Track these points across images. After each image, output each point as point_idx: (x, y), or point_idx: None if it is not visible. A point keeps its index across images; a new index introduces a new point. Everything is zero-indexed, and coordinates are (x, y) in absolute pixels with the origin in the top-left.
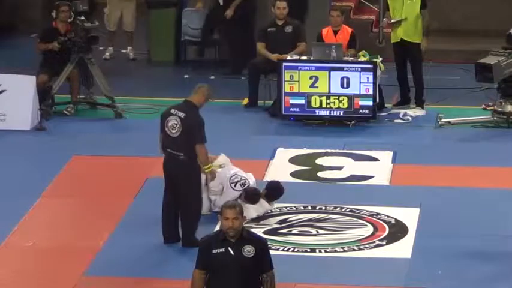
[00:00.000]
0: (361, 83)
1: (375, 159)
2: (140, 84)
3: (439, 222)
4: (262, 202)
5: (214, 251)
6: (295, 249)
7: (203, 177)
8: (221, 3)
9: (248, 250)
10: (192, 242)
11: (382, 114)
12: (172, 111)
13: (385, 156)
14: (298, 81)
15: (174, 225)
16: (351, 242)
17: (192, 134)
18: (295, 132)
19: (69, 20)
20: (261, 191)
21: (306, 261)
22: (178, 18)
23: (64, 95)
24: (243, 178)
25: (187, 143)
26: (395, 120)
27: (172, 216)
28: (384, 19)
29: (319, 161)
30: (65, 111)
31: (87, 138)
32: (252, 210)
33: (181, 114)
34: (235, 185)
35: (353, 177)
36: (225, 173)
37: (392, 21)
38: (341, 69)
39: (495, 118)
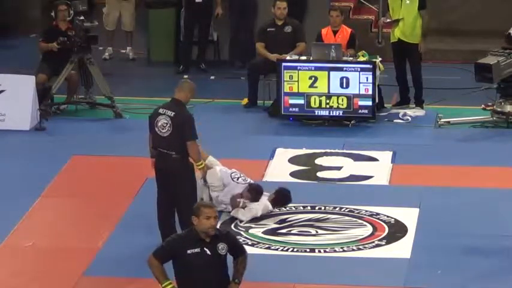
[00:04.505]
0: (360, 83)
1: (375, 159)
2: (140, 84)
3: (438, 222)
4: (265, 201)
5: (189, 251)
6: (295, 249)
7: (201, 175)
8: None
9: (222, 247)
10: None
11: (382, 114)
12: (161, 110)
13: (385, 156)
14: (298, 81)
15: (171, 224)
16: (351, 242)
17: (183, 132)
18: (295, 132)
19: (68, 19)
20: (270, 195)
21: (305, 261)
22: (178, 18)
23: (63, 95)
24: (242, 175)
25: (178, 141)
26: (395, 120)
27: (168, 215)
28: (382, 18)
29: (319, 161)
30: (56, 110)
31: (86, 138)
32: (259, 207)
33: (171, 113)
34: (237, 180)
35: (352, 177)
36: (224, 170)
37: (388, 20)
38: (340, 69)
39: (494, 118)
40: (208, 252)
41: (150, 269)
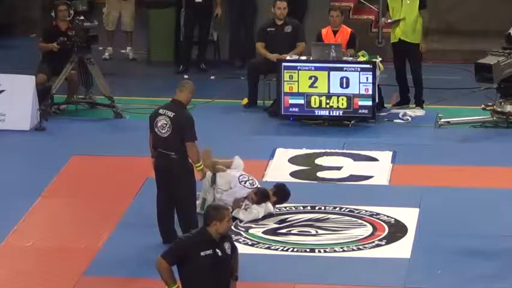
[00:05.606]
0: (360, 83)
1: (374, 159)
2: (140, 84)
3: (438, 222)
4: (267, 203)
5: (202, 253)
6: (295, 249)
7: (200, 176)
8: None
9: (228, 247)
10: None
11: (382, 114)
12: (161, 111)
13: (385, 156)
14: (298, 81)
15: (170, 224)
16: (351, 242)
17: (183, 133)
18: (295, 132)
19: (68, 19)
20: (271, 196)
21: (305, 261)
22: (178, 18)
23: (64, 95)
24: (251, 178)
25: (178, 141)
26: (395, 120)
27: (168, 215)
28: (382, 18)
29: (319, 161)
30: (56, 110)
31: (86, 138)
32: (260, 210)
33: (171, 114)
34: (244, 183)
35: (352, 177)
36: (233, 173)
37: (389, 21)
38: (340, 69)
39: (494, 118)
40: (219, 253)
41: (159, 271)
